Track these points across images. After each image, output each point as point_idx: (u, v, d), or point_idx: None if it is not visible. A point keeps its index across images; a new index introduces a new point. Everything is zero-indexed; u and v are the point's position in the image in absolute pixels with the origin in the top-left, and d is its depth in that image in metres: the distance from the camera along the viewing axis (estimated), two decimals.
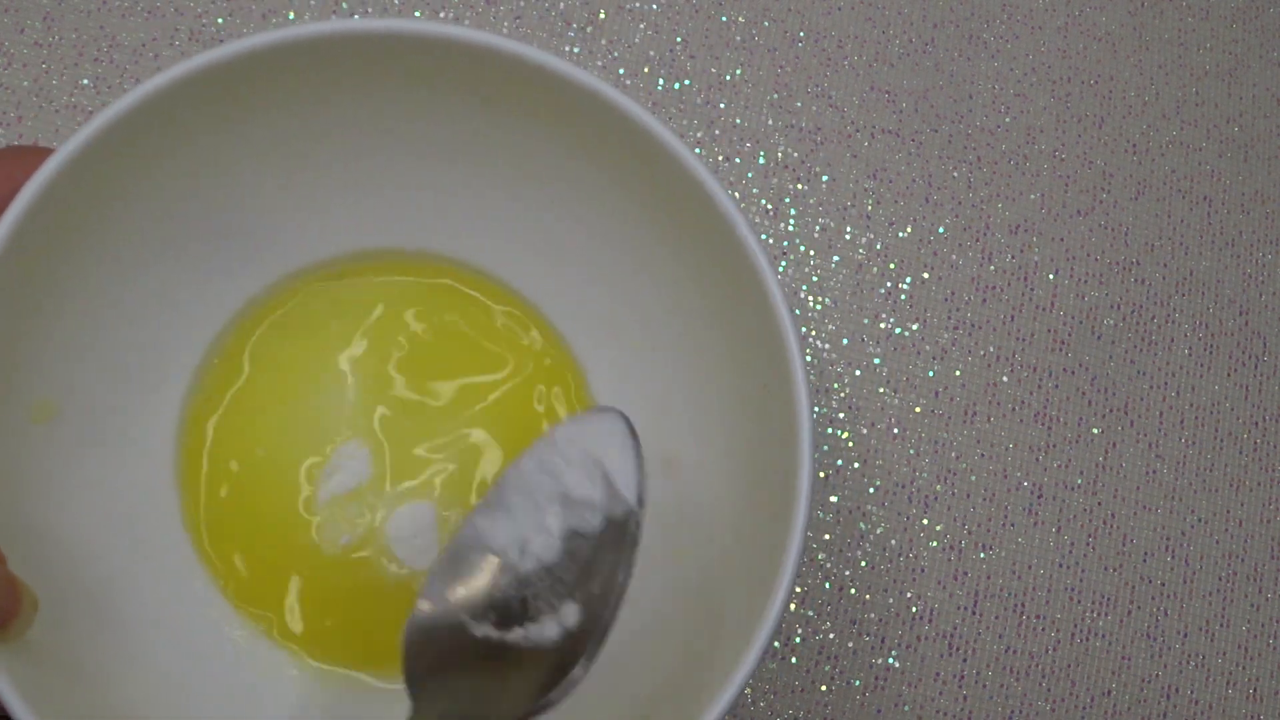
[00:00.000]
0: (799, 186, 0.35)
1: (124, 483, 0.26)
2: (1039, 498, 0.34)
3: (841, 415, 0.34)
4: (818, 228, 0.35)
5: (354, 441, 0.28)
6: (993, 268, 0.36)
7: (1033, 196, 0.36)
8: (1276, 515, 0.36)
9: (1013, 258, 0.36)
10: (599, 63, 0.35)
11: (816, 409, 0.34)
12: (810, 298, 0.35)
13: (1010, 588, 0.34)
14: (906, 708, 0.32)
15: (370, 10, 0.35)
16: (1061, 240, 0.36)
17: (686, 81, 0.35)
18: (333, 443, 0.28)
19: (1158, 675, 0.34)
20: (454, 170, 0.27)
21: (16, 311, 0.22)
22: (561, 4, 0.35)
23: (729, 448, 0.26)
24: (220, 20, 0.34)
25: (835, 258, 0.35)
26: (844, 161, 0.36)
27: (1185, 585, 0.35)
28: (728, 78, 0.36)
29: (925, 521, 0.34)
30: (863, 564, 0.33)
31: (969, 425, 0.34)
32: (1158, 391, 0.36)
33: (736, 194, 0.35)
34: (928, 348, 0.35)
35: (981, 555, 0.34)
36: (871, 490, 0.33)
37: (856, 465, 0.34)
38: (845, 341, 0.34)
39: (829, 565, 0.33)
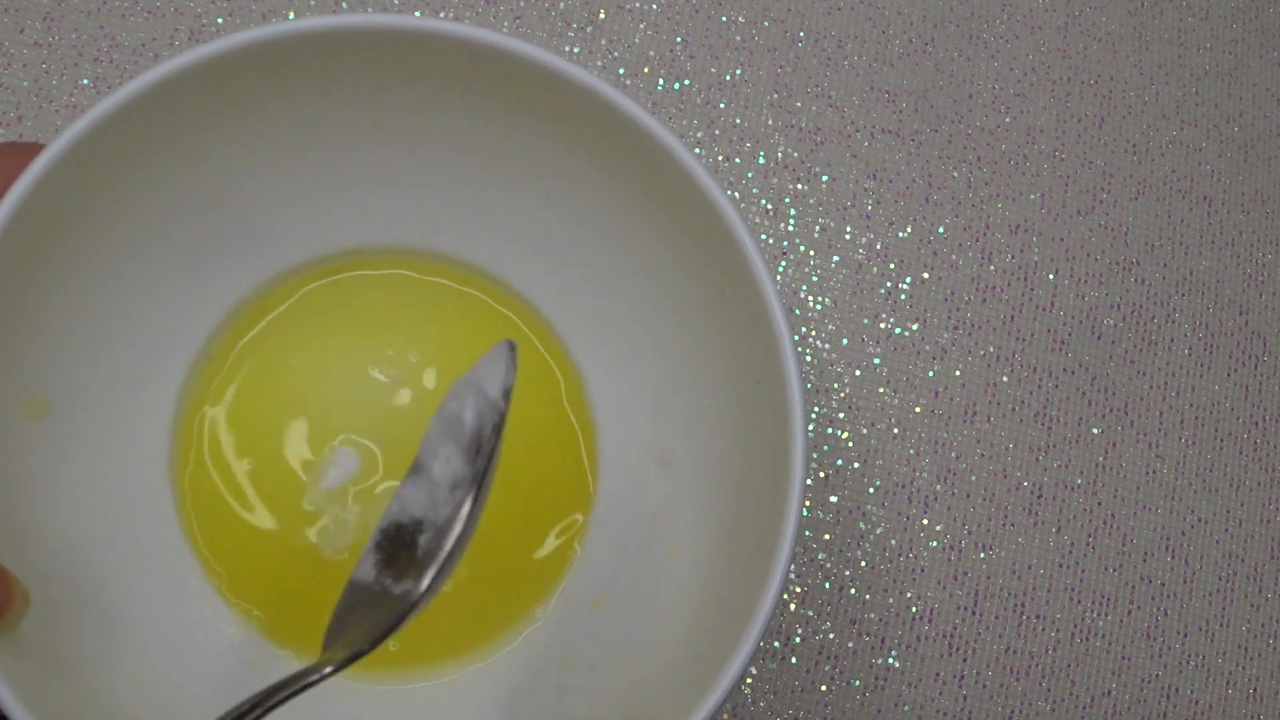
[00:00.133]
0: (799, 186, 0.35)
1: (118, 479, 0.26)
2: (1039, 498, 0.34)
3: (841, 415, 0.34)
4: (818, 228, 0.35)
5: (349, 439, 0.28)
6: (993, 268, 0.36)
7: (1033, 196, 0.36)
8: (1276, 515, 0.36)
9: (1013, 258, 0.36)
10: (599, 63, 0.35)
11: (816, 409, 0.34)
12: (810, 298, 0.35)
13: (1010, 588, 0.34)
14: (906, 708, 0.32)
15: (369, 9, 0.35)
16: (1061, 240, 0.36)
17: (686, 81, 0.35)
18: (328, 441, 0.28)
19: (1158, 675, 0.34)
20: (451, 168, 0.27)
21: (8, 308, 0.22)
22: (561, 4, 0.35)
23: (724, 444, 0.26)
24: (220, 20, 0.34)
25: (835, 258, 0.35)
26: (844, 161, 0.36)
27: (1185, 585, 0.35)
28: (728, 78, 0.36)
29: (925, 521, 0.34)
30: (863, 564, 0.33)
31: (969, 425, 0.34)
32: (1158, 391, 0.36)
33: (736, 194, 0.35)
34: (928, 348, 0.35)
35: (981, 555, 0.34)
36: (871, 490, 0.33)
37: (856, 465, 0.34)
38: (845, 341, 0.34)
39: (829, 565, 0.33)
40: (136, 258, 0.25)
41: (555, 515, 0.29)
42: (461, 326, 0.29)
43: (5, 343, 0.22)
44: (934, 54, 0.37)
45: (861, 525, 0.33)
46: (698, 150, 0.35)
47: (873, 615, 0.33)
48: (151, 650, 0.25)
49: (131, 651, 0.24)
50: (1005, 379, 0.35)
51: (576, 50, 0.35)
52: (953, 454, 0.34)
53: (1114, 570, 0.34)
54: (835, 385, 0.34)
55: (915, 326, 0.35)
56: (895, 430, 0.34)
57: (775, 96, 0.36)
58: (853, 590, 0.33)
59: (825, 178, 0.35)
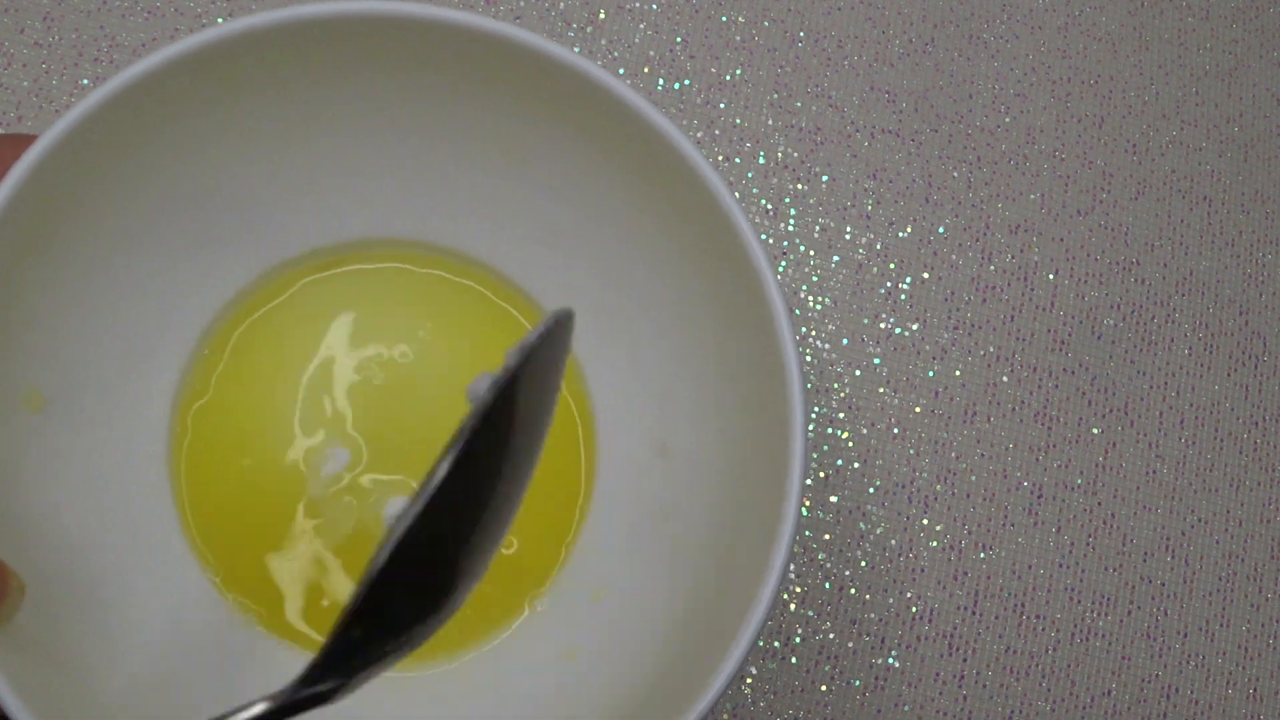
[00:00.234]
0: (799, 186, 0.35)
1: (114, 472, 0.26)
2: (1039, 498, 0.34)
3: (841, 415, 0.34)
4: (818, 228, 0.35)
5: (347, 433, 0.28)
6: (993, 268, 0.36)
7: (1033, 196, 0.36)
8: (1276, 515, 0.36)
9: (1013, 258, 0.36)
10: (599, 62, 0.35)
11: (816, 409, 0.34)
12: (810, 298, 0.35)
13: (1010, 588, 0.34)
14: (906, 708, 0.32)
15: None
16: (1061, 240, 0.36)
17: (686, 81, 0.35)
18: (326, 434, 0.28)
19: (1158, 675, 0.34)
20: (450, 158, 0.27)
21: (2, 300, 0.22)
22: (561, 4, 0.35)
23: (724, 436, 0.26)
24: (220, 20, 0.34)
25: (835, 258, 0.35)
26: (844, 161, 0.36)
27: (1185, 585, 0.35)
28: (728, 78, 0.36)
29: (925, 521, 0.34)
30: (863, 564, 0.33)
31: (969, 425, 0.34)
32: (1158, 391, 0.36)
33: (736, 194, 0.35)
34: (928, 348, 0.35)
35: (981, 555, 0.34)
36: (871, 490, 0.34)
37: (856, 465, 0.34)
38: (845, 341, 0.34)
39: (829, 565, 0.33)
40: (131, 248, 0.25)
41: (555, 505, 0.29)
42: (460, 319, 0.29)
43: None
44: (934, 54, 0.37)
45: (861, 525, 0.33)
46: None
47: (873, 615, 0.33)
48: (148, 644, 0.25)
49: (128, 645, 0.24)
50: (1005, 379, 0.35)
51: (576, 50, 0.35)
52: (953, 454, 0.34)
53: (1114, 570, 0.34)
54: (835, 385, 0.34)
55: (915, 326, 0.35)
56: (895, 430, 0.34)
57: (775, 96, 0.36)
58: (853, 590, 0.33)
59: (825, 178, 0.35)
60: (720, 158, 0.35)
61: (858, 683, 0.32)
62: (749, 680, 0.32)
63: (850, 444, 0.34)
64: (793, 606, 0.32)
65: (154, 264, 0.26)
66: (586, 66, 0.22)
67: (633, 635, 0.26)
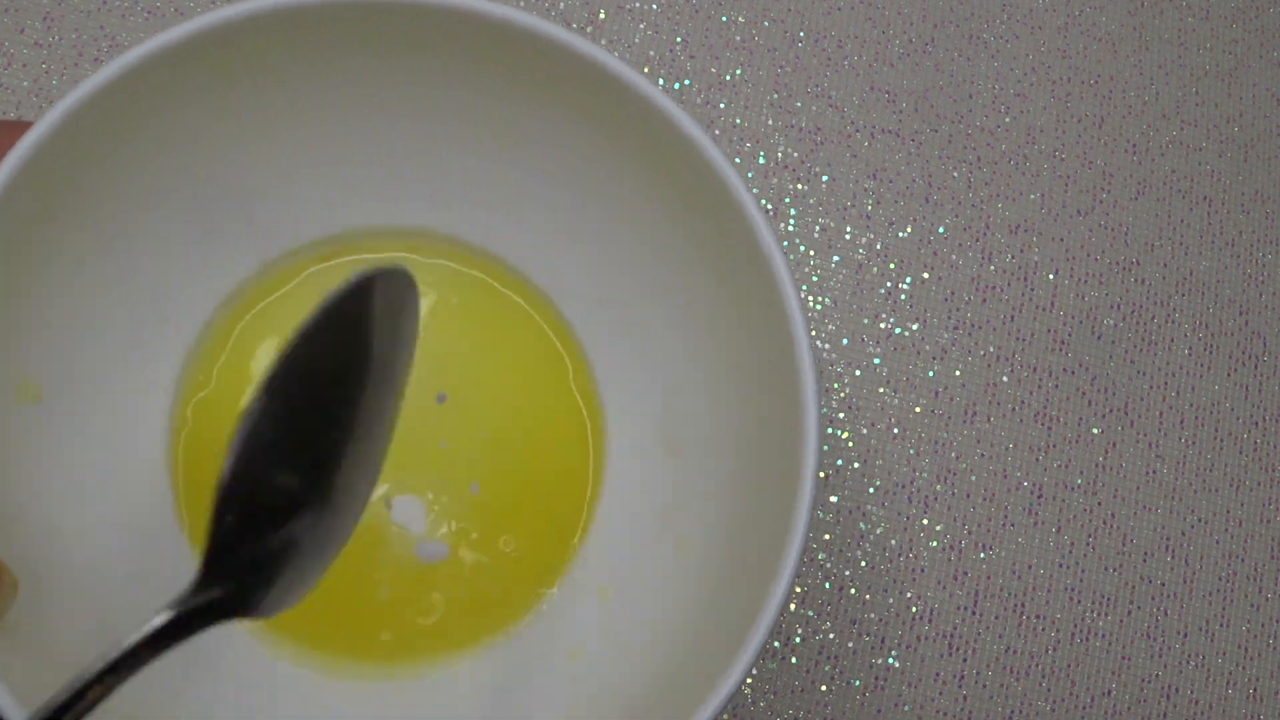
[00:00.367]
0: (799, 186, 0.35)
1: (112, 466, 0.26)
2: (1039, 498, 0.34)
3: (841, 415, 0.34)
4: (818, 228, 0.35)
5: None
6: (993, 268, 0.36)
7: (1033, 196, 0.36)
8: (1276, 515, 0.36)
9: (1013, 258, 0.36)
10: None
11: None
12: (810, 298, 0.35)
13: (1010, 588, 0.34)
14: (906, 708, 0.32)
15: None
16: (1061, 240, 0.36)
17: (686, 81, 0.35)
18: None
19: (1158, 675, 0.34)
20: (456, 146, 0.26)
21: None
22: (561, 4, 0.35)
23: (734, 433, 0.26)
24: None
25: (835, 258, 0.35)
26: (844, 161, 0.36)
27: (1185, 585, 0.35)
28: (728, 78, 0.36)
29: (925, 521, 0.34)
30: (863, 564, 0.33)
31: (969, 425, 0.34)
32: (1158, 391, 0.36)
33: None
34: (928, 348, 0.35)
35: (981, 555, 0.34)
36: (871, 490, 0.33)
37: (856, 465, 0.34)
38: (845, 341, 0.34)
39: (829, 565, 0.33)
40: (130, 237, 0.25)
41: (562, 501, 0.28)
42: (465, 309, 0.29)
43: None
44: (934, 54, 0.37)
45: (861, 525, 0.33)
46: None
47: (873, 615, 0.33)
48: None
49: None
50: (1005, 379, 0.35)
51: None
52: (953, 454, 0.34)
53: (1114, 570, 0.34)
54: (835, 385, 0.34)
55: (915, 326, 0.35)
56: (895, 430, 0.34)
57: (775, 96, 0.36)
58: (853, 590, 0.33)
59: (825, 178, 0.35)
60: None
61: (858, 683, 0.32)
62: (749, 680, 0.32)
63: (850, 444, 0.34)
64: (793, 606, 0.32)
65: (153, 253, 0.26)
66: (588, 49, 0.22)
67: (640, 635, 0.26)
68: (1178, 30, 0.39)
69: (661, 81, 0.35)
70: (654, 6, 0.36)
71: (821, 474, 0.33)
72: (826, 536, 0.33)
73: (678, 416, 0.27)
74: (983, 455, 0.34)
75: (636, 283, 0.27)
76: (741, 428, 0.25)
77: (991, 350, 0.35)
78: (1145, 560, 0.35)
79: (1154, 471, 0.35)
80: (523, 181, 0.27)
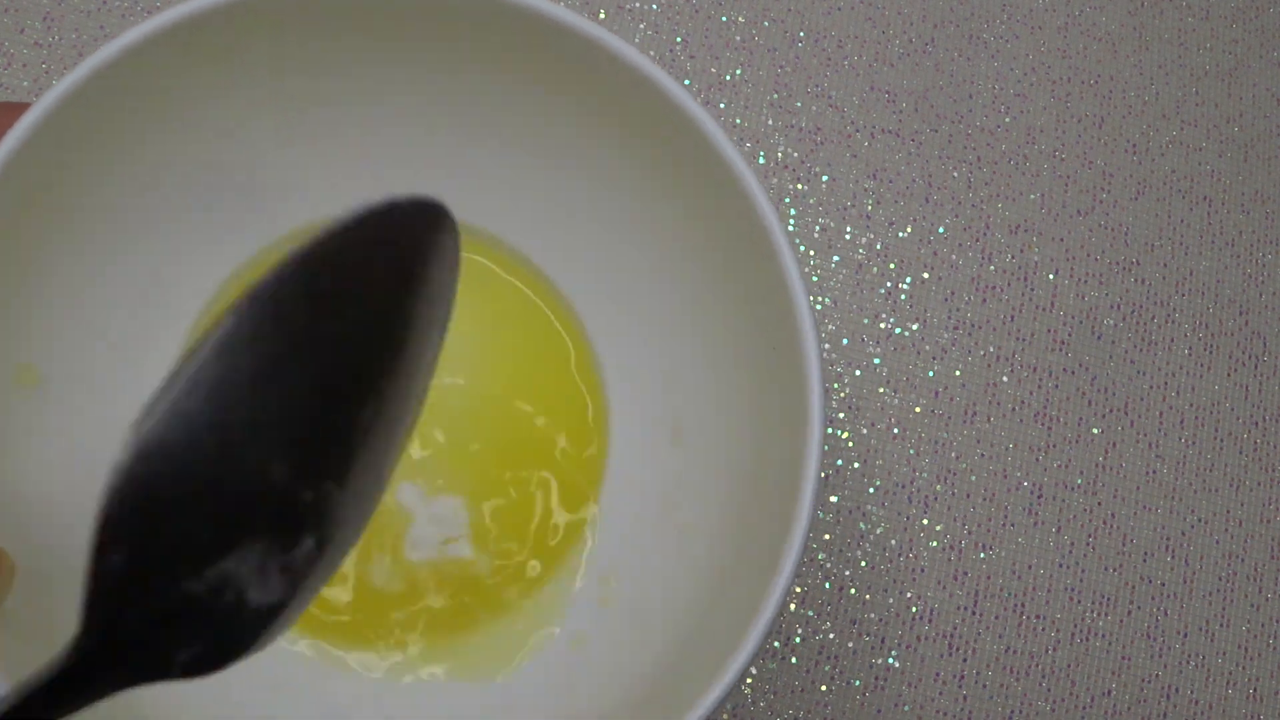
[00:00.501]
0: (799, 186, 0.35)
1: (111, 450, 0.25)
2: (1039, 498, 0.34)
3: (841, 415, 0.34)
4: (818, 228, 0.35)
5: None
6: (993, 268, 0.36)
7: (1033, 196, 0.36)
8: (1276, 515, 0.36)
9: (1013, 258, 0.36)
10: None
11: None
12: (810, 298, 0.35)
13: (1010, 588, 0.34)
14: (906, 708, 0.32)
15: None
16: (1061, 240, 0.36)
17: (686, 81, 0.35)
18: None
19: (1158, 675, 0.34)
20: (457, 130, 0.26)
21: None
22: (562, 3, 0.35)
23: (738, 419, 0.26)
24: None
25: (835, 258, 0.35)
26: (844, 161, 0.36)
27: (1185, 585, 0.35)
28: (728, 78, 0.36)
29: (925, 521, 0.34)
30: (863, 564, 0.33)
31: (969, 425, 0.34)
32: (1158, 391, 0.36)
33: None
34: (928, 348, 0.35)
35: (981, 555, 0.34)
36: (871, 490, 0.33)
37: (856, 465, 0.34)
38: (845, 341, 0.34)
39: (829, 565, 0.33)
40: (128, 220, 0.25)
41: (563, 489, 0.28)
42: (466, 294, 0.29)
43: None
44: (934, 54, 0.37)
45: (861, 525, 0.33)
46: None
47: (873, 615, 0.33)
48: None
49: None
50: (1005, 379, 0.35)
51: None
52: (953, 454, 0.34)
53: (1114, 570, 0.34)
54: (835, 385, 0.34)
55: (915, 326, 0.35)
56: (895, 430, 0.34)
57: (775, 96, 0.36)
58: (853, 590, 0.33)
59: (825, 178, 0.35)
60: None
61: (858, 683, 0.32)
62: (749, 680, 0.32)
63: (850, 444, 0.34)
64: (793, 606, 0.32)
65: (153, 236, 0.25)
66: (591, 29, 0.22)
67: (641, 625, 0.26)
68: (1178, 30, 0.39)
69: (665, 72, 0.35)
70: (654, 6, 0.36)
71: (822, 474, 0.33)
72: (826, 536, 0.33)
73: (681, 404, 0.27)
74: (983, 455, 0.34)
75: (641, 269, 0.27)
76: (745, 418, 0.25)
77: (991, 350, 0.35)
78: (1145, 560, 0.35)
79: (1154, 471, 0.35)
80: (528, 168, 0.27)
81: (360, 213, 0.14)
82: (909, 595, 0.33)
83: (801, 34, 0.36)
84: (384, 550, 0.28)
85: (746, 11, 0.36)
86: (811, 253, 0.35)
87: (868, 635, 0.33)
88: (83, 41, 0.33)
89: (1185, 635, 0.34)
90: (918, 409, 0.34)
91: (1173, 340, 0.36)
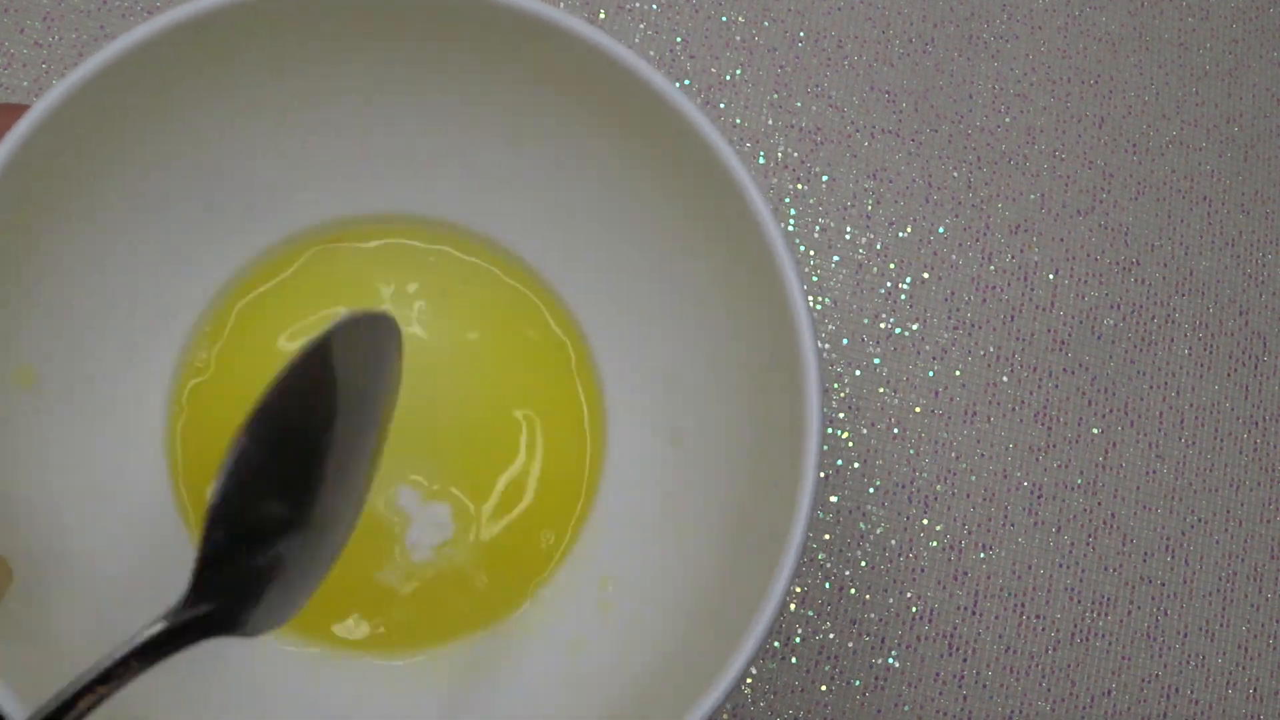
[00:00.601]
0: (799, 186, 0.35)
1: (109, 452, 0.25)
2: (1039, 498, 0.34)
3: (841, 415, 0.34)
4: (818, 228, 0.35)
5: None
6: (993, 268, 0.36)
7: (1033, 196, 0.36)
8: (1276, 515, 0.36)
9: (1013, 258, 0.36)
10: None
11: None
12: (810, 298, 0.35)
13: (1010, 588, 0.34)
14: (906, 708, 0.32)
15: None
16: (1061, 240, 0.36)
17: (686, 81, 0.35)
18: None
19: (1158, 675, 0.34)
20: (458, 132, 0.26)
21: None
22: (561, 4, 0.35)
23: (736, 423, 0.26)
24: None
25: (835, 258, 0.35)
26: (844, 161, 0.36)
27: (1185, 585, 0.35)
28: (728, 78, 0.36)
29: (925, 521, 0.34)
30: (863, 564, 0.33)
31: (969, 425, 0.34)
32: (1158, 391, 0.36)
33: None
34: (928, 348, 0.35)
35: (981, 555, 0.34)
36: (871, 490, 0.33)
37: (856, 465, 0.34)
38: (845, 341, 0.34)
39: (829, 565, 0.33)
40: (126, 222, 0.25)
41: (562, 490, 0.28)
42: (466, 297, 0.29)
43: None
44: (934, 54, 0.37)
45: (861, 525, 0.33)
46: None
47: (873, 615, 0.33)
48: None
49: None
50: (1005, 379, 0.35)
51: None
52: (953, 454, 0.34)
53: (1114, 570, 0.34)
54: (835, 385, 0.34)
55: (915, 326, 0.35)
56: (895, 430, 0.34)
57: (775, 96, 0.36)
58: (853, 590, 0.33)
59: (825, 178, 0.35)
60: None
61: (858, 683, 0.32)
62: (749, 680, 0.32)
63: (850, 444, 0.34)
64: (793, 606, 0.32)
65: (151, 237, 0.25)
66: (593, 34, 0.22)
67: (640, 626, 0.26)
68: (1178, 30, 0.39)
69: (663, 75, 0.35)
70: (654, 6, 0.36)
71: (821, 474, 0.33)
72: (826, 536, 0.33)
73: (679, 406, 0.27)
74: (983, 455, 0.34)
75: (640, 271, 0.27)
76: (744, 419, 0.25)
77: (991, 350, 0.35)
78: (1145, 560, 0.35)
79: (1154, 471, 0.35)
80: (528, 171, 0.27)
81: (329, 330, 0.20)
82: (909, 595, 0.33)
83: (801, 34, 0.36)
84: (382, 554, 0.28)
85: (746, 11, 0.36)
86: (811, 253, 0.35)
87: (868, 635, 0.33)
88: (83, 41, 0.33)
89: (1185, 635, 0.34)
90: (918, 409, 0.34)
91: (1173, 340, 0.36)
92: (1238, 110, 0.39)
